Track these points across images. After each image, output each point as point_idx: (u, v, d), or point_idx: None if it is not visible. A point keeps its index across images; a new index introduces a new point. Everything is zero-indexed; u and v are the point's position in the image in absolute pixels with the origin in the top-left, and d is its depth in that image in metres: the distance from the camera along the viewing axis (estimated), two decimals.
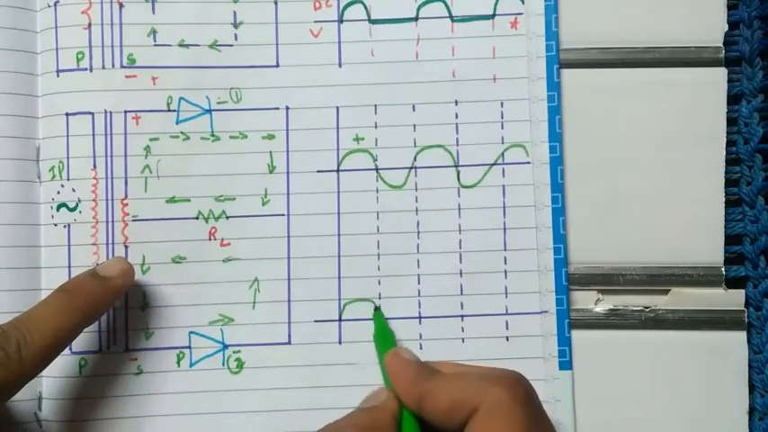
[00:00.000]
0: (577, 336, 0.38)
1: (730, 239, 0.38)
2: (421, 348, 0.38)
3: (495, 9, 0.39)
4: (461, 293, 0.38)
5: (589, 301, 0.38)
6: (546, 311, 0.38)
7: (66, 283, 0.35)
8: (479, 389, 0.31)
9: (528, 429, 0.30)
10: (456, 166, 0.38)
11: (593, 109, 0.39)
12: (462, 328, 0.38)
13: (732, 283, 0.38)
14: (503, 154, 0.38)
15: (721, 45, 0.39)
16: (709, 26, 0.39)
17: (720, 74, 0.39)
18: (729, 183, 0.39)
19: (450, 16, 0.39)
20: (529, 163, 0.38)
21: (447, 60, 0.39)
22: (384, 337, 0.37)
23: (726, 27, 0.39)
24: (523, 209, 0.38)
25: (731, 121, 0.39)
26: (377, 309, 0.38)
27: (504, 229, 0.38)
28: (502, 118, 0.39)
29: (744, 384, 0.38)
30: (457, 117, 0.39)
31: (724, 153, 0.38)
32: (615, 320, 0.38)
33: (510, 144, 0.38)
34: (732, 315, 0.38)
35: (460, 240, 0.38)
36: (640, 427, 0.38)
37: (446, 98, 0.39)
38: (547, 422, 0.32)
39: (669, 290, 0.38)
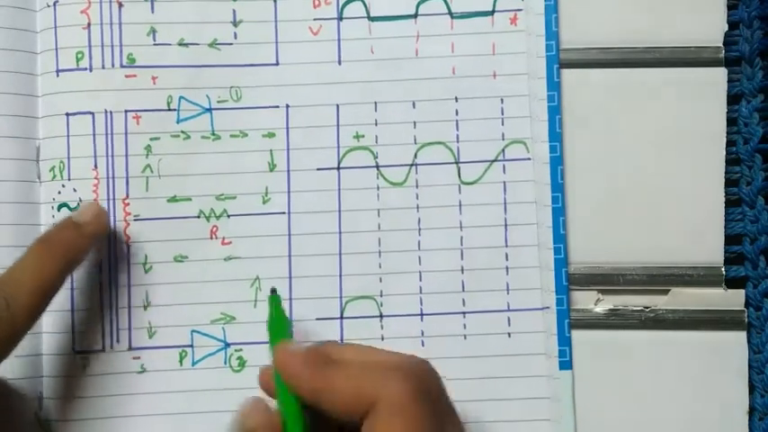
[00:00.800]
0: (577, 336, 0.38)
1: (730, 239, 0.38)
2: (423, 345, 0.38)
3: (494, 5, 0.39)
4: (463, 290, 0.38)
5: (589, 301, 0.38)
6: (548, 308, 0.38)
7: (42, 235, 0.35)
8: (378, 382, 0.29)
9: (426, 427, 0.28)
10: (456, 163, 0.38)
11: (593, 109, 0.39)
12: (464, 325, 0.38)
13: (732, 283, 0.38)
14: (503, 150, 0.38)
15: (721, 45, 0.39)
16: (710, 26, 0.39)
17: (720, 74, 0.38)
18: (729, 183, 0.39)
19: (450, 13, 0.39)
20: (529, 159, 0.38)
21: (447, 57, 0.39)
22: (278, 326, 0.34)
23: (726, 27, 0.38)
24: (524, 205, 0.38)
25: (731, 121, 0.39)
26: (273, 291, 0.35)
27: (505, 225, 0.38)
28: (502, 114, 0.39)
29: (744, 384, 0.38)
30: (457, 114, 0.39)
31: (724, 153, 0.38)
32: (615, 320, 0.38)
33: (510, 140, 0.38)
34: (732, 315, 0.38)
35: (462, 237, 0.38)
36: (640, 427, 0.38)
37: (446, 95, 0.39)
38: (449, 415, 0.31)
39: (669, 290, 0.38)
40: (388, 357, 0.31)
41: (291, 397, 0.31)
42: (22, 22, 0.38)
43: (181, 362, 0.38)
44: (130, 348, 0.38)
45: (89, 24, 0.38)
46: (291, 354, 0.31)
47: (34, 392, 0.37)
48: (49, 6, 0.38)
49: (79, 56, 0.38)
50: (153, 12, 0.38)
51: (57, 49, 0.38)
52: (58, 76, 0.38)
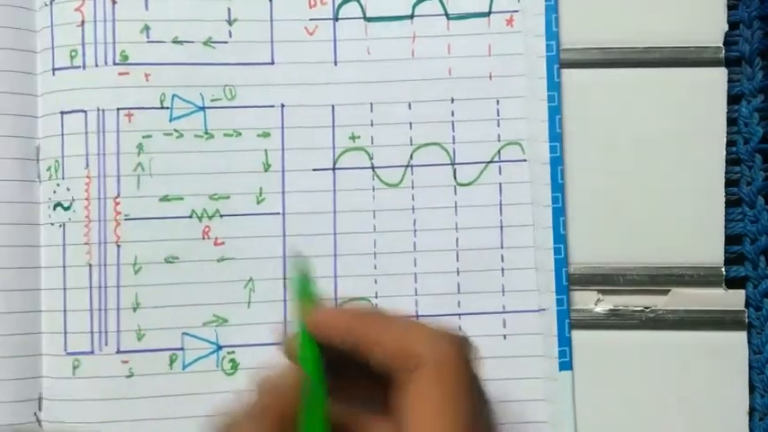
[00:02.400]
0: (577, 336, 0.37)
1: (730, 239, 0.38)
2: None
3: (490, 7, 0.39)
4: (458, 292, 0.38)
5: (589, 302, 0.38)
6: (544, 309, 0.37)
7: None
8: (427, 340, 0.29)
9: (473, 389, 0.29)
10: (452, 164, 0.38)
11: (593, 109, 0.38)
12: (459, 327, 0.37)
13: (732, 283, 0.38)
14: (499, 152, 0.38)
15: (721, 45, 0.38)
16: (710, 26, 0.38)
17: (720, 74, 0.38)
18: (729, 183, 0.38)
19: (446, 14, 0.39)
20: (525, 160, 0.38)
21: (443, 58, 0.38)
22: (305, 290, 0.32)
23: (726, 27, 0.38)
24: (520, 206, 0.38)
25: (731, 121, 0.38)
26: (297, 261, 0.32)
27: (501, 226, 0.38)
28: (498, 115, 0.38)
29: (744, 384, 0.37)
30: (453, 115, 0.38)
31: (724, 153, 0.38)
32: (615, 321, 0.38)
33: (506, 142, 0.38)
34: (732, 315, 0.38)
35: (457, 238, 0.38)
36: (640, 427, 0.37)
37: (442, 96, 0.38)
38: (483, 390, 0.31)
39: (669, 290, 0.38)
40: (427, 322, 0.31)
41: (316, 359, 0.30)
42: (22, 21, 0.38)
43: (171, 365, 0.37)
44: (119, 351, 0.37)
45: (83, 22, 0.38)
46: (335, 310, 0.32)
47: (34, 393, 0.37)
48: (46, 5, 0.38)
49: (73, 54, 0.38)
50: (147, 9, 0.38)
51: (53, 47, 0.38)
52: (54, 74, 0.38)
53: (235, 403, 0.30)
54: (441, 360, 0.29)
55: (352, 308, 0.32)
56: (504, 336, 0.37)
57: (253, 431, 0.29)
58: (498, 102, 0.38)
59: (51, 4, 0.38)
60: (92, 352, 0.37)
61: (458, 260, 0.38)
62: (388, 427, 0.30)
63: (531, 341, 0.37)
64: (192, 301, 0.37)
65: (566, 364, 0.37)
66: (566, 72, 0.38)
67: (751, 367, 0.37)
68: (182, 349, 0.37)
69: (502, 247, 0.38)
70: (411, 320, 0.32)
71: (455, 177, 0.38)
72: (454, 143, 0.38)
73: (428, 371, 0.28)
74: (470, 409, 0.28)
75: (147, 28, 0.38)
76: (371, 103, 0.38)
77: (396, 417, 0.29)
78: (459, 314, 0.37)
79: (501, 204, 0.38)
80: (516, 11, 0.39)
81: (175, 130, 0.38)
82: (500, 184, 0.38)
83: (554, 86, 0.38)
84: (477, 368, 0.30)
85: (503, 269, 0.38)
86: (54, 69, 0.38)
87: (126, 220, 0.38)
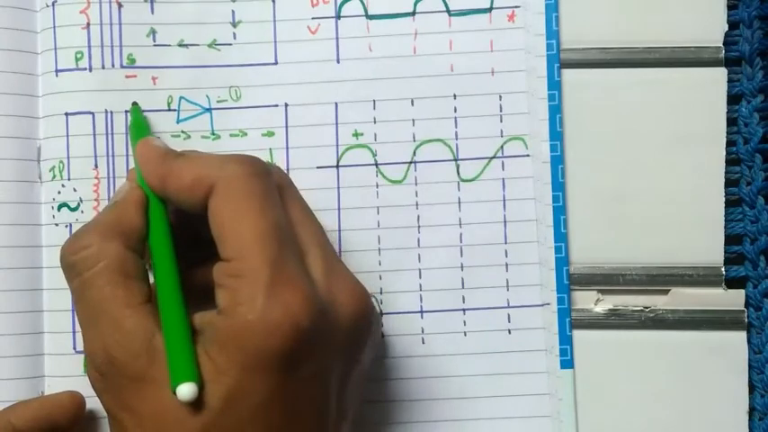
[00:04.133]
0: (577, 336, 0.38)
1: (730, 239, 0.38)
2: (423, 343, 0.38)
3: (491, 2, 0.39)
4: (463, 287, 0.38)
5: (589, 301, 0.38)
6: (548, 304, 0.38)
7: None
8: (218, 165, 0.31)
9: (264, 199, 0.30)
10: (455, 160, 0.38)
11: (593, 109, 0.38)
12: (464, 322, 0.38)
13: (732, 283, 0.38)
14: (502, 147, 0.38)
15: (721, 45, 0.38)
16: (709, 26, 0.38)
17: (720, 74, 0.38)
18: (729, 183, 0.38)
19: (447, 10, 0.39)
20: (528, 156, 0.38)
21: (445, 54, 0.39)
22: (138, 129, 0.36)
23: (726, 27, 0.38)
24: (523, 201, 0.38)
25: (731, 121, 0.39)
26: (134, 104, 0.38)
27: (505, 222, 0.38)
28: (500, 111, 0.39)
29: (744, 384, 0.37)
30: (455, 111, 0.39)
31: (724, 153, 0.38)
32: (615, 320, 0.38)
33: (509, 137, 0.38)
34: (732, 315, 0.38)
35: (461, 234, 0.38)
36: (640, 427, 0.38)
37: (444, 92, 0.39)
38: (297, 200, 0.33)
39: (669, 290, 0.38)
40: (229, 153, 0.34)
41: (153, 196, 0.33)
42: (23, 22, 0.38)
43: None
44: None
45: (88, 24, 0.38)
46: (150, 146, 0.34)
47: (36, 392, 0.37)
48: (48, 6, 0.38)
49: (78, 56, 0.38)
50: (153, 13, 0.38)
51: (56, 49, 0.38)
52: (57, 76, 0.38)
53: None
54: (229, 179, 0.30)
55: (167, 147, 0.34)
56: (509, 330, 0.38)
57: (97, 241, 0.31)
58: (501, 97, 0.39)
59: (53, 5, 0.38)
60: None
61: (462, 256, 0.38)
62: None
63: (534, 336, 0.38)
64: None
65: (567, 362, 0.38)
66: (566, 72, 0.39)
67: (751, 367, 0.38)
68: None
69: (506, 243, 0.38)
70: (208, 154, 0.34)
71: (458, 173, 0.38)
72: (457, 139, 0.39)
73: (219, 190, 0.30)
74: (266, 220, 0.30)
75: (153, 32, 0.38)
76: (374, 101, 0.39)
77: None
78: (464, 309, 0.38)
79: (504, 200, 0.38)
80: (518, 6, 0.39)
81: (183, 132, 0.38)
82: (503, 179, 0.38)
83: (554, 85, 0.38)
84: (273, 178, 0.32)
85: (507, 264, 0.38)
86: (57, 71, 0.38)
87: None
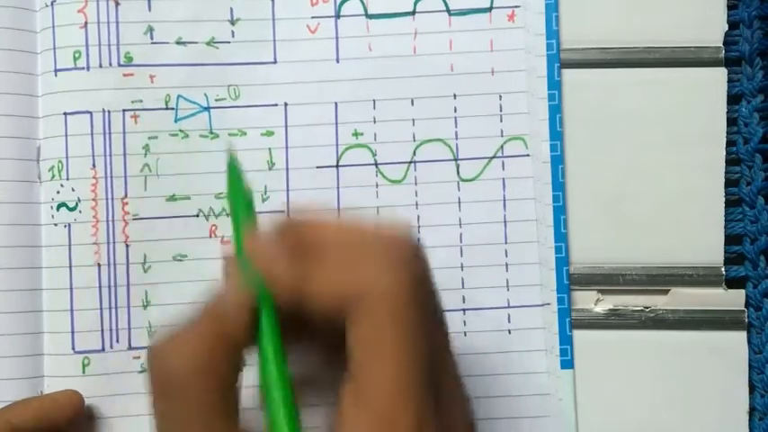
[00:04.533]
0: (577, 336, 0.38)
1: (730, 239, 0.38)
2: None
3: (491, 2, 0.39)
4: (463, 287, 0.38)
5: (589, 301, 0.38)
6: (548, 304, 0.38)
7: None
8: (373, 273, 0.24)
9: (421, 326, 0.24)
10: (455, 160, 0.38)
11: (593, 109, 0.38)
12: (464, 322, 0.38)
13: (732, 283, 0.38)
14: (502, 147, 0.38)
15: (721, 45, 0.38)
16: (710, 26, 0.38)
17: (720, 74, 0.38)
18: (729, 183, 0.38)
19: (447, 10, 0.39)
20: (528, 156, 0.38)
21: (445, 54, 0.39)
22: (239, 199, 0.28)
23: (726, 27, 0.38)
24: (523, 201, 0.38)
25: (731, 121, 0.39)
26: (230, 154, 0.30)
27: (505, 222, 0.38)
28: (500, 111, 0.39)
29: (744, 384, 0.38)
30: (455, 111, 0.39)
31: (724, 153, 0.38)
32: (615, 320, 0.38)
33: (509, 137, 0.38)
34: (732, 315, 0.38)
35: (461, 234, 0.38)
36: (640, 427, 0.38)
37: (444, 92, 0.39)
38: (440, 314, 0.26)
39: (669, 290, 0.38)
40: (374, 236, 0.25)
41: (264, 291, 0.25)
42: (23, 22, 0.38)
43: None
44: (130, 348, 0.38)
45: (86, 23, 0.38)
46: (268, 243, 0.26)
47: (35, 393, 0.37)
48: (47, 6, 0.38)
49: (76, 55, 0.38)
50: (150, 10, 0.38)
51: (55, 48, 0.38)
52: (56, 75, 0.38)
53: (178, 322, 0.26)
54: (383, 294, 0.23)
55: (287, 233, 0.26)
56: (509, 330, 0.38)
57: (191, 352, 0.25)
58: (501, 97, 0.39)
59: (52, 5, 0.38)
60: (102, 350, 0.38)
61: (462, 256, 0.38)
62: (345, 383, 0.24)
63: (535, 336, 0.38)
64: (200, 299, 0.38)
65: (567, 362, 0.38)
66: (566, 72, 0.38)
67: (751, 367, 0.38)
68: None
69: (506, 243, 0.38)
70: (349, 239, 0.25)
71: (458, 173, 0.38)
72: (457, 139, 0.39)
73: (365, 308, 0.23)
74: (416, 365, 0.23)
75: (150, 29, 0.38)
76: (374, 100, 0.39)
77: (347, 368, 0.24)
78: (464, 309, 0.38)
79: (504, 199, 0.38)
80: (518, 6, 0.39)
81: (181, 131, 0.38)
82: (503, 179, 0.38)
83: (554, 85, 0.38)
84: (430, 286, 0.25)
85: (507, 264, 0.38)
86: (56, 70, 0.38)
87: (134, 219, 0.38)
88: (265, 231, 0.26)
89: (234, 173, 0.29)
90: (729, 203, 0.38)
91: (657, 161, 0.38)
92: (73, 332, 0.38)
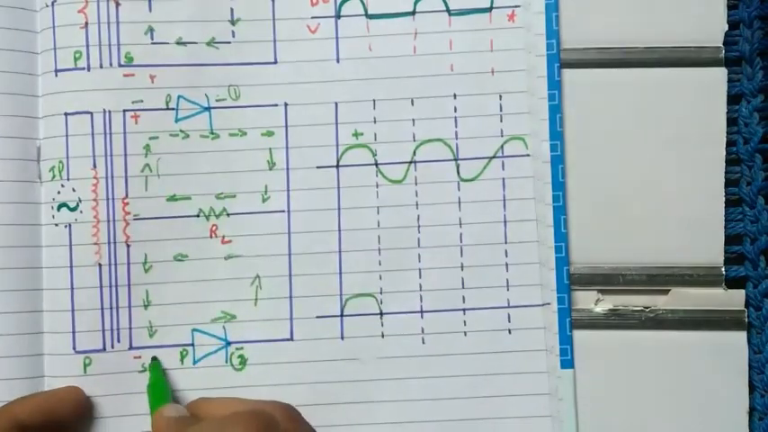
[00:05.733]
0: (578, 336, 0.38)
1: (730, 239, 0.38)
2: (423, 342, 0.38)
3: (491, 2, 0.39)
4: (463, 287, 0.38)
5: (589, 301, 0.38)
6: (548, 304, 0.38)
7: None
8: None
9: None
10: (455, 160, 0.38)
11: (594, 109, 0.39)
12: (464, 322, 0.38)
13: (732, 283, 0.38)
14: (502, 147, 0.38)
15: (721, 45, 0.38)
16: (709, 26, 0.38)
17: (720, 74, 0.38)
18: (729, 183, 0.38)
19: (447, 10, 0.39)
20: (528, 155, 0.38)
21: (445, 54, 0.39)
22: (157, 391, 0.37)
23: (726, 27, 0.38)
24: (523, 201, 0.38)
25: (731, 121, 0.39)
26: (154, 359, 0.38)
27: (505, 221, 0.38)
28: (500, 111, 0.39)
29: (744, 384, 0.38)
30: (456, 111, 0.39)
31: (724, 153, 0.38)
32: (615, 320, 0.38)
33: (509, 137, 0.38)
34: (732, 315, 0.38)
35: (461, 234, 0.38)
36: (640, 427, 0.38)
37: (444, 92, 0.39)
38: None
39: (669, 290, 0.38)
40: (243, 411, 0.32)
41: None
42: (23, 22, 0.38)
43: (182, 361, 0.38)
44: (131, 348, 0.38)
45: (86, 24, 0.38)
46: (165, 420, 0.34)
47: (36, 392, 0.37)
48: (47, 6, 0.38)
49: (77, 55, 0.38)
50: (150, 11, 0.38)
51: (55, 48, 0.38)
52: (56, 75, 0.38)
53: None
54: None
55: (179, 419, 0.34)
56: (509, 330, 0.38)
57: None
58: (501, 97, 0.39)
59: (53, 5, 0.38)
60: (103, 349, 0.38)
61: (462, 255, 0.38)
62: None
63: (535, 335, 0.38)
64: (200, 299, 0.38)
65: (567, 362, 0.38)
66: (566, 72, 0.39)
67: (751, 367, 0.38)
68: (192, 345, 0.38)
69: (506, 242, 0.38)
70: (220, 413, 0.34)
71: (458, 173, 0.38)
72: (457, 139, 0.39)
73: None
74: None
75: (150, 30, 0.38)
76: (374, 100, 0.39)
77: None
78: (464, 309, 0.38)
79: (504, 199, 0.38)
80: (518, 6, 0.39)
81: (181, 131, 0.38)
82: (503, 179, 0.38)
83: (554, 85, 0.38)
84: None
85: (507, 264, 0.38)
86: (57, 71, 0.38)
87: (135, 220, 0.38)
88: (170, 411, 0.35)
89: (155, 369, 0.37)
90: (729, 203, 0.38)
91: (657, 161, 0.38)
92: (74, 332, 0.38)
